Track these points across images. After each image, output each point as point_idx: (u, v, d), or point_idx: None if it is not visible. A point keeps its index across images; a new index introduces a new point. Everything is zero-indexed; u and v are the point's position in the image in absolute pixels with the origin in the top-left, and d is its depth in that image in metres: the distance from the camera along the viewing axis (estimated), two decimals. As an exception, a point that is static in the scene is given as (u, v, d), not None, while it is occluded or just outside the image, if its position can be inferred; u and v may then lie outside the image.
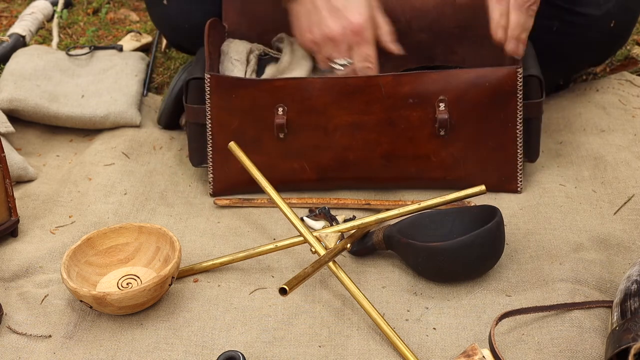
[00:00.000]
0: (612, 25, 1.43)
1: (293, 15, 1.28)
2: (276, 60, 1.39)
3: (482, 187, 1.18)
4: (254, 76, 1.38)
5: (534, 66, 1.33)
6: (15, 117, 1.53)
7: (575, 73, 1.63)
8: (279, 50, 1.42)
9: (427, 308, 1.12)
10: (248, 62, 1.39)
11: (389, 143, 1.31)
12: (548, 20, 1.41)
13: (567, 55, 1.47)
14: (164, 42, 1.82)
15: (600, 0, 1.40)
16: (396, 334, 1.06)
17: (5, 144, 1.35)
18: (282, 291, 1.00)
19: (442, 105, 1.28)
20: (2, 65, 1.71)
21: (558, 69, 1.51)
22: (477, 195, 1.19)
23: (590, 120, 1.52)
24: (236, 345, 1.07)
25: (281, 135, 1.31)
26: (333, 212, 1.31)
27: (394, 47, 1.28)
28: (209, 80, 1.30)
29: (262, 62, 1.41)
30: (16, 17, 1.96)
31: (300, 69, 1.36)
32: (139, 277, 1.17)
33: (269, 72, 1.37)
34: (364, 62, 1.26)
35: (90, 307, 1.10)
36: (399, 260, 1.20)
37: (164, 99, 1.56)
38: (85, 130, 1.56)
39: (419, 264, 1.15)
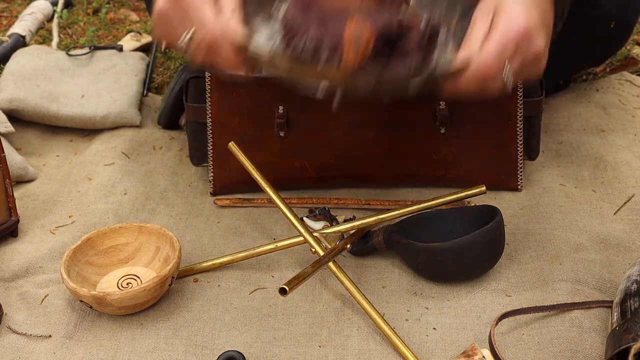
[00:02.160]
0: (612, 25, 1.42)
1: None
2: None
3: (482, 188, 1.18)
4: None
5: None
6: (15, 117, 1.53)
7: (575, 73, 1.63)
8: None
9: (427, 308, 1.12)
10: None
11: (389, 141, 1.31)
12: None
13: (567, 56, 1.46)
14: (164, 42, 1.82)
15: (601, 0, 1.40)
16: (396, 334, 1.06)
17: (5, 144, 1.35)
18: (282, 291, 1.00)
19: (442, 103, 1.28)
20: (2, 65, 1.71)
21: (558, 70, 1.51)
22: (477, 195, 1.19)
23: (590, 120, 1.52)
24: (236, 345, 1.07)
25: (282, 134, 1.31)
26: (333, 212, 1.31)
27: None
28: (209, 78, 1.31)
29: None
30: (16, 17, 1.97)
31: None
32: (139, 277, 1.17)
33: None
34: None
35: (90, 307, 1.10)
36: (399, 260, 1.20)
37: (163, 98, 1.56)
38: (85, 130, 1.56)
39: (419, 264, 1.15)
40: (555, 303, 1.10)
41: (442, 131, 1.29)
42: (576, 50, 1.45)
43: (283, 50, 1.00)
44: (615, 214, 1.29)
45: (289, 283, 1.00)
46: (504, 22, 0.95)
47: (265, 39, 1.03)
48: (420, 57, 1.00)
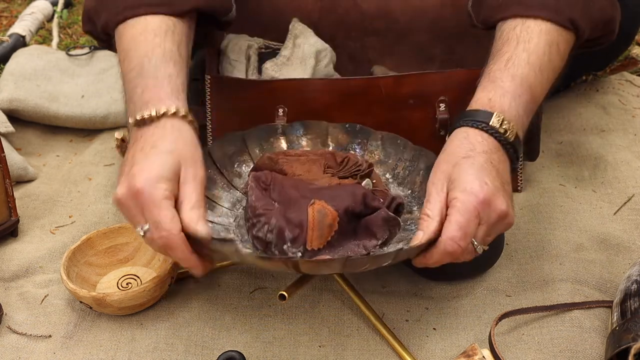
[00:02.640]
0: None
1: None
2: (276, 54, 1.39)
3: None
4: (255, 73, 1.37)
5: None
6: (15, 117, 1.53)
7: (573, 81, 1.62)
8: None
9: (427, 308, 1.12)
10: (248, 59, 1.39)
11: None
12: None
13: (567, 65, 1.46)
14: (164, 42, 1.81)
15: None
16: (395, 336, 1.06)
17: (5, 144, 1.35)
18: (281, 297, 0.98)
19: (442, 106, 1.28)
20: (2, 65, 1.71)
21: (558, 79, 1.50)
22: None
23: (590, 120, 1.52)
24: (236, 345, 1.07)
25: (282, 136, 1.31)
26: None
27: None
28: (209, 81, 1.30)
29: (264, 56, 1.40)
30: (16, 17, 1.97)
31: (301, 68, 1.36)
32: (138, 277, 1.17)
33: (267, 67, 1.36)
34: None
35: (90, 308, 1.10)
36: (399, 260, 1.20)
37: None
38: (85, 130, 1.56)
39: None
40: (555, 303, 1.10)
41: (442, 134, 1.29)
42: (576, 60, 1.44)
43: (246, 243, 0.99)
44: (615, 214, 1.29)
45: (287, 289, 1.00)
46: (460, 198, 0.93)
47: (227, 210, 1.06)
48: (385, 233, 1.00)
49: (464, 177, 0.95)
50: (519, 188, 1.34)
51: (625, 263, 1.18)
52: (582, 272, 1.16)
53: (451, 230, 0.93)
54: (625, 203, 1.31)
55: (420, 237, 0.94)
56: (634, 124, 1.51)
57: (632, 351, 0.92)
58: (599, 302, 1.10)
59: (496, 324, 1.03)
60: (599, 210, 1.29)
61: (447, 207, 0.95)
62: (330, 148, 1.18)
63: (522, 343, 1.05)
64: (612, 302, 1.07)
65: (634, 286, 1.02)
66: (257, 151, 1.17)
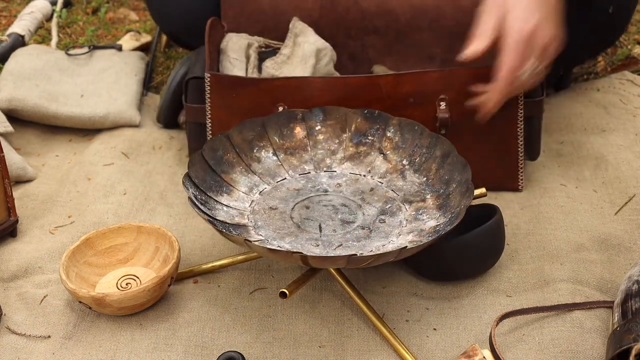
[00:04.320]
0: (611, 10, 1.41)
1: None
2: (276, 53, 1.39)
3: (483, 190, 1.17)
4: (256, 71, 1.37)
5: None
6: (14, 116, 1.53)
7: (575, 64, 1.61)
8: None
9: (428, 308, 1.12)
10: (248, 58, 1.38)
11: (389, 143, 1.31)
12: None
13: (566, 43, 1.45)
14: (164, 41, 1.81)
15: None
16: (396, 336, 1.05)
17: (4, 143, 1.35)
18: (282, 295, 0.99)
19: (442, 105, 1.28)
20: (1, 65, 1.71)
21: (558, 59, 1.49)
22: (478, 198, 1.18)
23: (591, 120, 1.52)
24: (236, 346, 1.07)
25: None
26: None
27: None
28: (209, 79, 1.30)
29: (264, 55, 1.40)
30: (15, 16, 1.96)
31: (301, 67, 1.36)
32: (138, 278, 1.17)
33: (267, 66, 1.36)
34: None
35: (90, 308, 1.10)
36: (399, 260, 1.20)
37: (162, 95, 1.55)
38: (85, 130, 1.56)
39: (419, 263, 1.15)
40: (556, 303, 1.10)
41: (443, 132, 1.29)
42: (575, 36, 1.44)
43: None
44: (616, 214, 1.29)
45: (288, 287, 1.00)
46: (511, 25, 1.12)
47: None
48: None
49: (513, 13, 1.11)
50: (519, 188, 1.34)
51: (626, 263, 1.18)
52: (583, 273, 1.15)
53: (509, 56, 1.12)
54: (626, 203, 1.30)
55: (471, 48, 1.14)
56: (635, 123, 1.51)
57: (633, 352, 0.92)
58: (599, 302, 1.10)
59: (497, 324, 1.03)
60: (599, 211, 1.29)
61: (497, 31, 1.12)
62: (350, 134, 1.22)
63: (523, 343, 1.05)
64: (613, 302, 1.07)
65: (635, 286, 1.01)
66: (276, 137, 1.21)
